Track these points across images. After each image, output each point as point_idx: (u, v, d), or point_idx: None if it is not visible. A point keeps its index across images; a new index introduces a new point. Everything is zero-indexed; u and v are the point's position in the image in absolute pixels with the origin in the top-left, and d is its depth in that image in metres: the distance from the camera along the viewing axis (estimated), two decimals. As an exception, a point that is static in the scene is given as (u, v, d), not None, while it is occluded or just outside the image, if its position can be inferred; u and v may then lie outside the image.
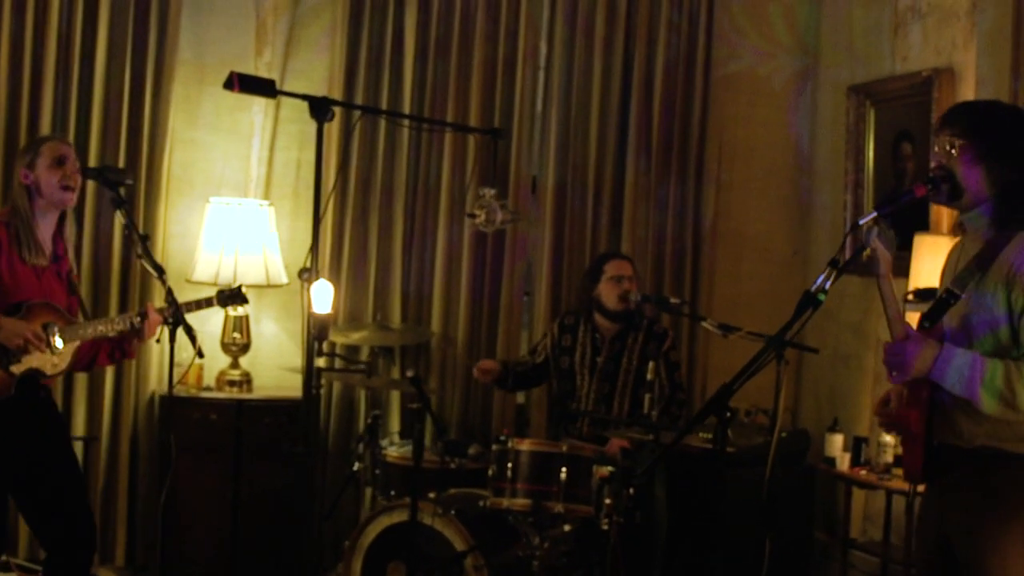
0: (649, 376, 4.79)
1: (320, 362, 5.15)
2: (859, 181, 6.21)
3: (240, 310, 5.74)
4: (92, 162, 5.56)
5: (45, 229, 4.31)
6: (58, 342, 4.19)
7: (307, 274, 4.12)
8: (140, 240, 4.27)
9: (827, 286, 3.08)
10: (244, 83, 4.21)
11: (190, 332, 4.27)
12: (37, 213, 4.26)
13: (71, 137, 5.53)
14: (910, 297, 4.90)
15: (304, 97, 4.27)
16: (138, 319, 4.35)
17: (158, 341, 4.33)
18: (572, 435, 5.39)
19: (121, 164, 5.58)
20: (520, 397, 6.31)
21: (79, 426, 5.65)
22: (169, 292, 4.29)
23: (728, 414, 3.19)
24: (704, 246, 6.50)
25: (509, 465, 4.72)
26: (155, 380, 5.83)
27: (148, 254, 4.29)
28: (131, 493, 5.78)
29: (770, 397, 6.36)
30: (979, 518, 3.10)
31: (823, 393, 6.43)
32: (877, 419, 3.40)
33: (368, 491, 5.49)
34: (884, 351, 3.09)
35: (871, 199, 6.15)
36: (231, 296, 4.73)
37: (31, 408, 4.24)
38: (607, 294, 5.54)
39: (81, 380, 5.64)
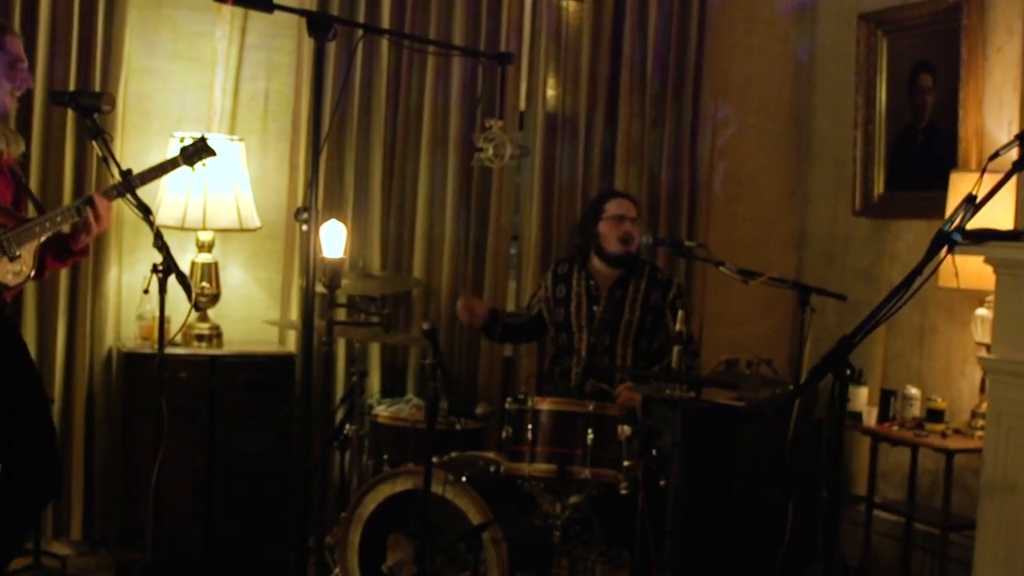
0: (677, 327, 4.29)
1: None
2: (870, 116, 5.82)
3: (207, 256, 5.20)
4: (39, 93, 4.97)
5: None
6: (14, 248, 3.67)
7: (305, 214, 3.61)
8: (123, 176, 3.71)
9: (964, 225, 2.67)
10: (237, -5, 3.67)
11: (184, 280, 3.70)
12: None
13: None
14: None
15: (303, 13, 3.79)
16: (86, 207, 3.78)
17: (146, 291, 3.75)
18: (564, 392, 4.93)
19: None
20: (508, 350, 5.84)
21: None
22: (158, 235, 3.72)
23: (849, 371, 2.76)
24: (700, 186, 6.08)
25: (529, 427, 4.23)
26: (112, 335, 5.26)
27: (132, 191, 3.73)
28: (87, 461, 5.23)
29: (771, 347, 6.07)
30: None
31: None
32: None
33: (348, 454, 5.01)
34: None
35: (884, 135, 5.77)
36: (196, 151, 4.09)
37: None
38: (607, 235, 5.05)
39: (30, 335, 5.04)
